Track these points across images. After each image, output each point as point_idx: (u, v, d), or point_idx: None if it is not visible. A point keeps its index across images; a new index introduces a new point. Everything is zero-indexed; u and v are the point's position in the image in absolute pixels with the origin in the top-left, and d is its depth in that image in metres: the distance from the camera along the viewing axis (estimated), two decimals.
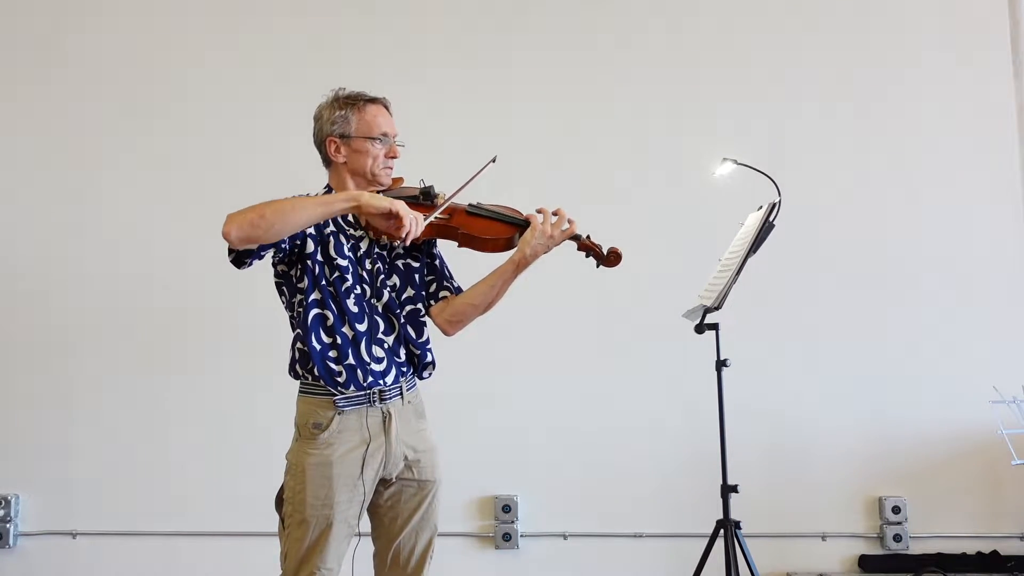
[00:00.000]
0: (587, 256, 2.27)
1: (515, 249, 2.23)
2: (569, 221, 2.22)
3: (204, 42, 3.95)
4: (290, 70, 3.87)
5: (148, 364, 3.77)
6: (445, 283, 2.34)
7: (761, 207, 2.80)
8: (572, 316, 3.63)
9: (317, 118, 2.25)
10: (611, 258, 2.26)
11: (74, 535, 3.72)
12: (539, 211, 2.23)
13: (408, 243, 2.07)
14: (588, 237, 2.26)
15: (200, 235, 3.72)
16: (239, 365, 3.73)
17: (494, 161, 2.20)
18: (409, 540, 2.23)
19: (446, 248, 2.36)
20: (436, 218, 2.17)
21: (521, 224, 2.26)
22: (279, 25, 3.95)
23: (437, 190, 2.24)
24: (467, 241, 2.25)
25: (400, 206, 2.01)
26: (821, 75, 3.83)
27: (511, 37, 3.91)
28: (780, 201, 2.74)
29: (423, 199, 2.23)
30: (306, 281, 2.13)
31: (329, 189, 2.25)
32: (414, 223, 2.02)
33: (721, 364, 2.80)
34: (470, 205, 2.26)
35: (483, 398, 3.66)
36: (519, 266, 2.23)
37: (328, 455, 2.10)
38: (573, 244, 2.27)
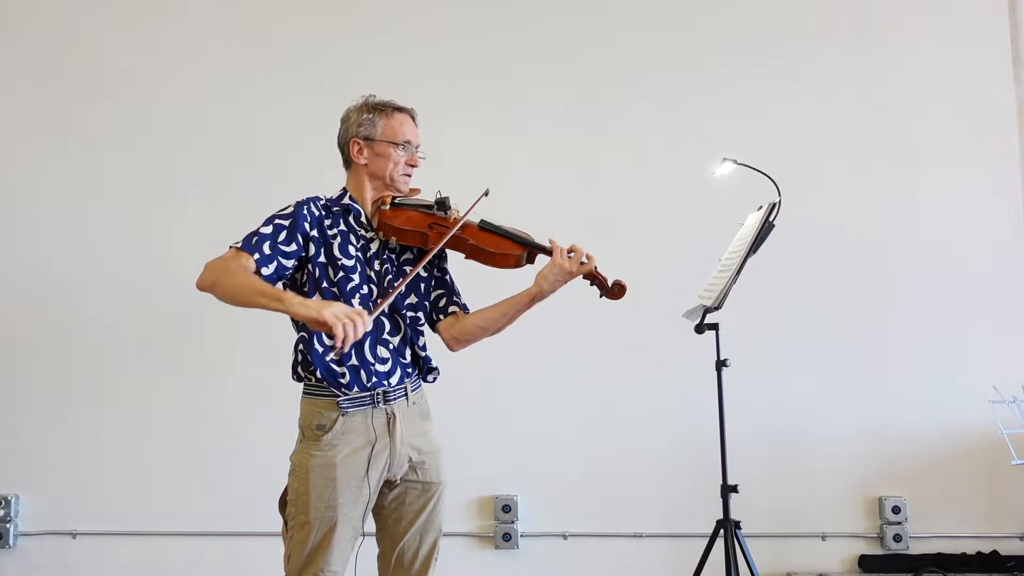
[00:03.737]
0: (591, 284, 2.28)
1: (532, 282, 2.25)
2: (588, 257, 2.23)
3: (206, 42, 3.95)
4: (291, 71, 3.87)
5: (148, 364, 3.77)
6: (454, 299, 2.36)
7: (761, 207, 2.80)
8: (572, 316, 3.62)
9: (344, 120, 2.28)
10: (615, 290, 2.27)
11: (74, 535, 3.72)
12: (551, 243, 2.24)
13: (347, 350, 1.96)
14: (595, 268, 2.27)
15: (201, 234, 3.75)
16: (240, 365, 3.74)
17: (487, 194, 2.23)
18: (413, 542, 2.23)
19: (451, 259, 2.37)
20: (444, 232, 2.19)
21: (532, 246, 2.28)
22: (280, 26, 3.95)
23: (452, 203, 2.26)
24: (475, 254, 2.27)
25: (327, 314, 1.90)
26: (821, 75, 3.83)
27: (511, 38, 3.91)
28: (780, 201, 2.74)
29: (437, 209, 2.26)
30: (307, 284, 2.15)
31: (345, 191, 2.27)
32: (350, 327, 1.90)
33: (721, 364, 2.80)
34: (482, 220, 2.29)
35: (483, 398, 3.67)
36: (535, 299, 2.25)
37: (332, 456, 2.10)
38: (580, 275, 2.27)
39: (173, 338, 3.78)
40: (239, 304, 2.06)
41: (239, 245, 2.09)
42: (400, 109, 2.28)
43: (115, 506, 3.71)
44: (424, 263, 2.21)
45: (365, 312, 1.97)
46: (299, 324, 2.17)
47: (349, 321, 1.91)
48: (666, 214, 3.75)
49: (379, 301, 2.15)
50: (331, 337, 1.91)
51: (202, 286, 2.06)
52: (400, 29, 3.91)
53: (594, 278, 2.27)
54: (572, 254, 2.23)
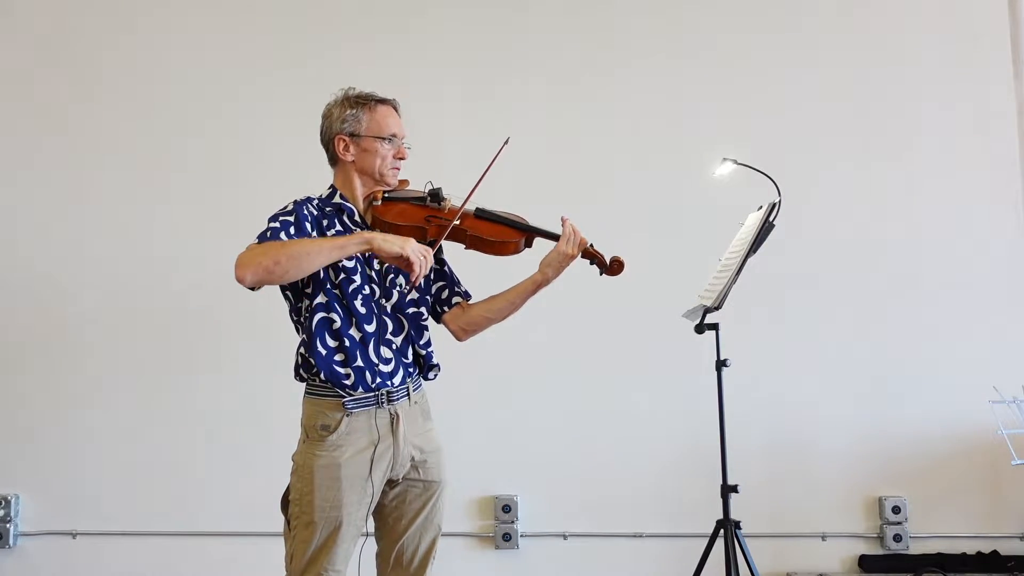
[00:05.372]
0: (591, 264, 2.30)
1: (537, 269, 2.27)
2: (582, 238, 2.26)
3: (204, 42, 3.95)
4: (290, 70, 3.87)
5: (148, 364, 3.77)
6: (455, 288, 2.36)
7: (761, 207, 2.80)
8: (572, 316, 3.63)
9: (326, 116, 2.25)
10: (614, 267, 2.29)
11: (74, 535, 3.72)
12: (563, 220, 2.26)
13: (417, 283, 2.08)
14: (592, 246, 2.29)
15: (200, 235, 3.77)
16: (240, 365, 3.74)
17: (507, 143, 2.22)
18: (413, 540, 2.23)
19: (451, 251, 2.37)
20: (444, 224, 2.19)
21: (530, 231, 2.28)
22: (279, 25, 3.95)
23: (445, 193, 2.25)
24: (475, 244, 2.26)
25: (409, 249, 2.02)
26: (821, 75, 3.83)
27: (511, 37, 3.91)
28: (780, 201, 2.74)
29: (431, 201, 2.24)
30: (311, 286, 2.13)
31: (333, 189, 2.25)
32: (423, 264, 2.04)
33: (721, 364, 2.80)
34: (478, 209, 2.28)
35: (484, 398, 3.67)
36: (540, 286, 2.27)
37: (336, 457, 2.10)
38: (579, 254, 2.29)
39: (173, 338, 3.78)
40: (304, 271, 2.03)
41: (256, 243, 2.06)
42: (382, 101, 2.25)
43: (115, 506, 3.71)
44: (439, 244, 2.21)
45: (430, 249, 2.08)
46: (302, 325, 2.17)
47: (423, 259, 2.04)
48: (666, 214, 3.75)
49: (435, 242, 2.19)
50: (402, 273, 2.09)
51: (254, 273, 1.97)
52: (401, 29, 3.91)
53: (592, 256, 2.29)
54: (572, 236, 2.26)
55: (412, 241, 2.04)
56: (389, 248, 2.02)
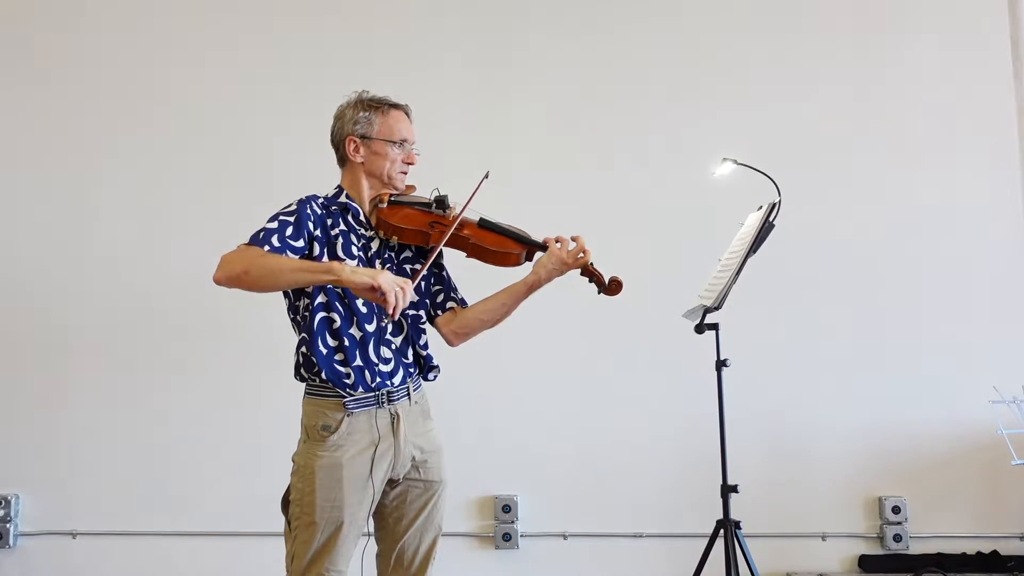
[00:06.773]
0: (589, 281, 2.30)
1: (530, 271, 2.27)
2: (584, 251, 2.25)
3: (204, 42, 3.94)
4: (290, 71, 3.87)
5: (148, 364, 3.77)
6: (451, 294, 2.36)
7: (761, 207, 2.80)
8: (572, 316, 3.63)
9: (338, 117, 2.27)
10: (612, 286, 2.28)
11: (74, 535, 3.72)
12: (557, 239, 2.26)
13: (397, 317, 2.02)
14: (592, 264, 2.29)
15: (199, 235, 3.76)
16: (239, 365, 3.73)
17: (487, 177, 2.23)
18: (414, 540, 2.24)
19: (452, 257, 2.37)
20: (446, 231, 2.19)
21: (531, 244, 2.29)
22: (279, 26, 3.95)
23: (451, 201, 2.25)
24: (477, 253, 2.27)
25: (383, 280, 1.95)
26: (821, 74, 3.83)
27: (510, 36, 3.91)
28: (780, 201, 2.74)
29: (436, 207, 2.25)
30: (313, 285, 2.13)
31: (340, 189, 2.26)
32: (400, 296, 1.97)
33: (721, 364, 2.80)
34: (482, 219, 2.28)
35: (483, 398, 3.67)
36: (532, 288, 2.27)
37: (338, 457, 2.10)
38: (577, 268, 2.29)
39: (173, 338, 3.78)
40: (272, 287, 2.04)
41: (247, 242, 2.07)
42: (395, 106, 2.28)
43: (115, 506, 3.71)
44: (433, 258, 2.22)
45: (409, 281, 2.01)
46: (301, 325, 2.17)
47: (400, 289, 1.97)
48: (666, 214, 3.75)
49: (417, 269, 2.17)
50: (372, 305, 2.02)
51: (226, 277, 1.98)
52: (399, 28, 3.91)
53: (591, 274, 2.28)
54: (574, 243, 2.25)
55: (385, 273, 1.98)
56: (359, 280, 1.95)
